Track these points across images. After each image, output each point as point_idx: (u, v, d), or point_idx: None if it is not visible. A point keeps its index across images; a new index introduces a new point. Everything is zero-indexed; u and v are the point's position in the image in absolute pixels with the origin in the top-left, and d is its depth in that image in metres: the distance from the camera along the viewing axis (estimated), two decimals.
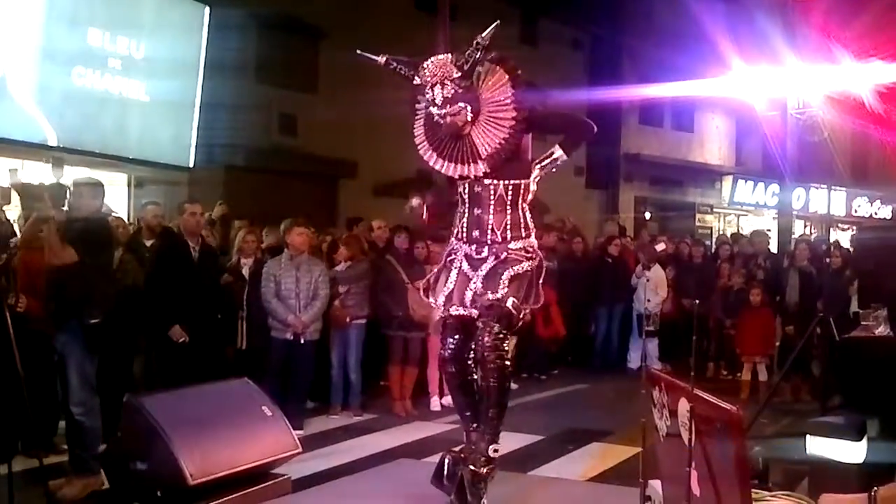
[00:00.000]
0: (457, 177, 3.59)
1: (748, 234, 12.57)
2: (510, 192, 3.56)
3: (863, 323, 6.56)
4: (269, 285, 6.54)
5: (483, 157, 3.49)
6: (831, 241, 13.16)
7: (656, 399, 2.67)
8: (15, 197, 5.18)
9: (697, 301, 7.44)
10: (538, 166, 3.62)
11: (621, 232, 11.79)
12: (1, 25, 8.91)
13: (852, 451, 3.70)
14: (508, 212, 3.57)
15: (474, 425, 3.64)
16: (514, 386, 8.59)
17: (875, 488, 2.50)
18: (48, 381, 5.39)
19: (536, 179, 3.63)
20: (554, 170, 3.65)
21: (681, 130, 20.69)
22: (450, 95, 3.42)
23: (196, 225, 6.33)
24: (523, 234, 3.59)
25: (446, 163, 3.57)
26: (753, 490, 3.41)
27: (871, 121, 12.29)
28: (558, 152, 3.61)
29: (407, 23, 14.37)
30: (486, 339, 3.45)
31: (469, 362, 3.65)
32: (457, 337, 3.62)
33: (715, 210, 21.81)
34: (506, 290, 3.45)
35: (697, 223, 20.64)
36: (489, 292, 3.46)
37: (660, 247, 10.47)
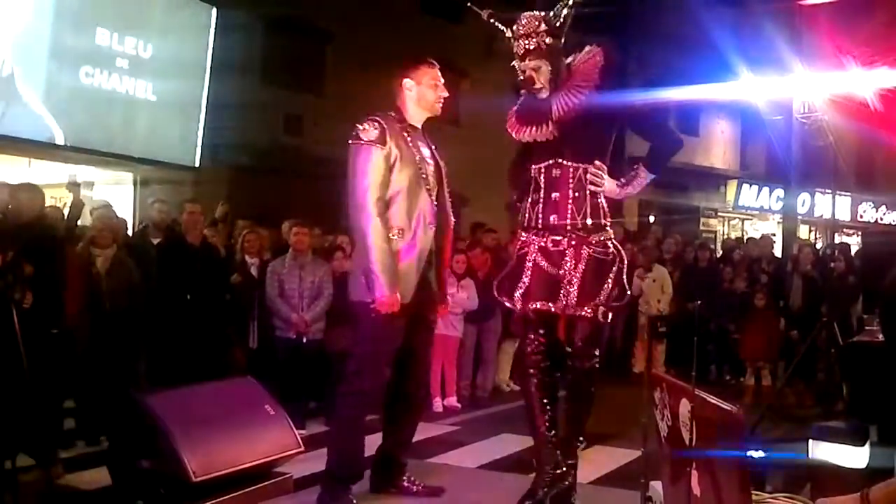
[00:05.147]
0: (528, 140, 3.52)
1: (758, 237, 12.54)
2: (589, 177, 3.45)
3: (867, 328, 6.56)
4: (273, 284, 6.56)
5: (554, 119, 3.42)
6: (836, 245, 13.14)
7: (658, 400, 2.67)
8: None
9: (699, 302, 7.43)
10: (620, 182, 3.51)
11: (626, 236, 11.77)
12: (9, 24, 8.96)
13: (855, 457, 3.69)
14: (588, 197, 3.45)
15: (549, 429, 3.56)
16: (516, 388, 8.66)
17: (867, 489, 2.50)
18: (54, 378, 5.42)
19: (619, 194, 3.51)
20: (636, 191, 3.54)
21: (686, 134, 20.59)
22: (532, 48, 3.41)
23: (195, 224, 6.38)
24: (602, 224, 3.48)
25: (519, 126, 3.55)
26: (754, 492, 3.41)
27: (876, 126, 12.28)
28: (642, 172, 3.52)
29: (413, 25, 14.40)
30: (580, 352, 3.44)
31: (552, 360, 3.58)
32: (540, 332, 3.54)
33: (719, 214, 21.79)
34: (598, 302, 3.38)
35: (702, 227, 20.63)
36: (581, 307, 3.38)
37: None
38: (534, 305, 3.46)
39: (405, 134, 3.57)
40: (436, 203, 3.59)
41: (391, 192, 3.48)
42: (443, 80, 3.68)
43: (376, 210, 3.42)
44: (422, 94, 3.63)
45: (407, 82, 3.62)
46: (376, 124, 3.49)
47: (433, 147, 3.72)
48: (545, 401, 3.59)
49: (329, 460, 3.58)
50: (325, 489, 3.58)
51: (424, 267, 3.55)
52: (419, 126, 3.69)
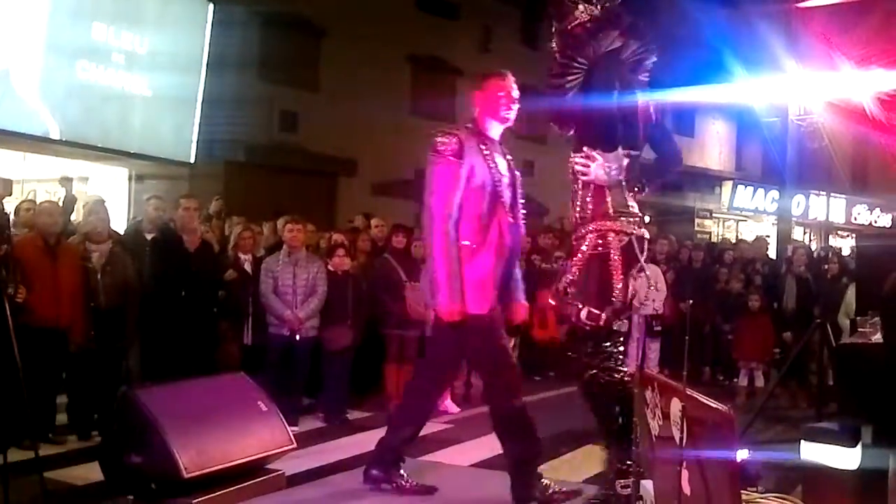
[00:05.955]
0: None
1: (752, 238, 12.56)
2: (573, 167, 3.43)
3: (860, 329, 6.58)
4: (267, 281, 6.54)
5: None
6: (829, 247, 13.20)
7: (649, 400, 2.68)
8: (16, 188, 5.20)
9: (692, 301, 7.43)
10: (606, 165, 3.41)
11: None
12: (6, 19, 8.93)
13: (847, 458, 3.70)
14: (580, 190, 3.43)
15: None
16: None
17: None
18: (47, 374, 5.41)
19: (607, 180, 3.41)
20: (618, 173, 3.46)
21: (681, 135, 20.72)
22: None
23: (190, 219, 6.37)
24: (588, 215, 3.41)
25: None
26: (745, 492, 3.42)
27: (871, 128, 12.31)
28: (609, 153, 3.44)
29: (409, 22, 14.39)
30: (580, 356, 3.40)
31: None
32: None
33: (714, 215, 21.84)
34: (570, 305, 3.34)
35: (696, 228, 20.67)
36: (563, 305, 3.38)
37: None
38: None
39: (482, 146, 3.58)
40: (511, 215, 3.60)
41: (467, 205, 3.50)
42: (515, 90, 3.67)
43: (447, 222, 3.47)
44: (492, 105, 3.65)
45: (478, 95, 3.65)
46: (455, 138, 3.53)
47: (509, 158, 3.72)
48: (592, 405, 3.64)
49: (395, 434, 3.83)
50: (380, 464, 3.79)
51: (501, 278, 3.57)
52: (496, 138, 3.70)
